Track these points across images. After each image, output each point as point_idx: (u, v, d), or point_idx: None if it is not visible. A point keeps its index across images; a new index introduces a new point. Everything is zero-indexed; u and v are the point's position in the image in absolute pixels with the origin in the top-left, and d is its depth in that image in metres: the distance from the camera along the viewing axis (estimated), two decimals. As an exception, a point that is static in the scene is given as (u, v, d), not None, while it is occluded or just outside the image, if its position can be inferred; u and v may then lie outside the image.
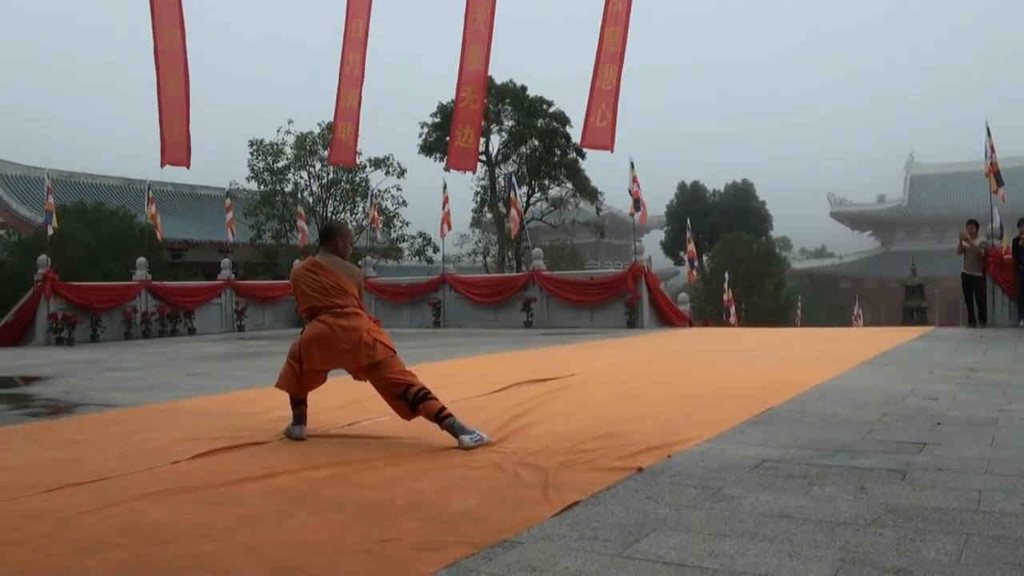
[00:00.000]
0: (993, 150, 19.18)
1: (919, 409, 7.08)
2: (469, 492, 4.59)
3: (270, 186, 39.53)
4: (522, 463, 5.22)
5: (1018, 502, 4.14)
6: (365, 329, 6.38)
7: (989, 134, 19.08)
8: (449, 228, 25.17)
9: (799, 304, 54.14)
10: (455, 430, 5.97)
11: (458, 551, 3.56)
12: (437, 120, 40.80)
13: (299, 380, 6.66)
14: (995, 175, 19.12)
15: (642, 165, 22.35)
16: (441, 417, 6.05)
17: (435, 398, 6.20)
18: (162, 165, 19.09)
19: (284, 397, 8.86)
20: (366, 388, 9.45)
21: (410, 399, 6.19)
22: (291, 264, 28.89)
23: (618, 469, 4.99)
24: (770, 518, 3.95)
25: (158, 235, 25.91)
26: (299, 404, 6.71)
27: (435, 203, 25.41)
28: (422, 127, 42.61)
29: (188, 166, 19.13)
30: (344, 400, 8.39)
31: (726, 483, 4.65)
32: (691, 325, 22.22)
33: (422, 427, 6.79)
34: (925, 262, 57.93)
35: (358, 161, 34.73)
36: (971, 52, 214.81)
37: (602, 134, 17.31)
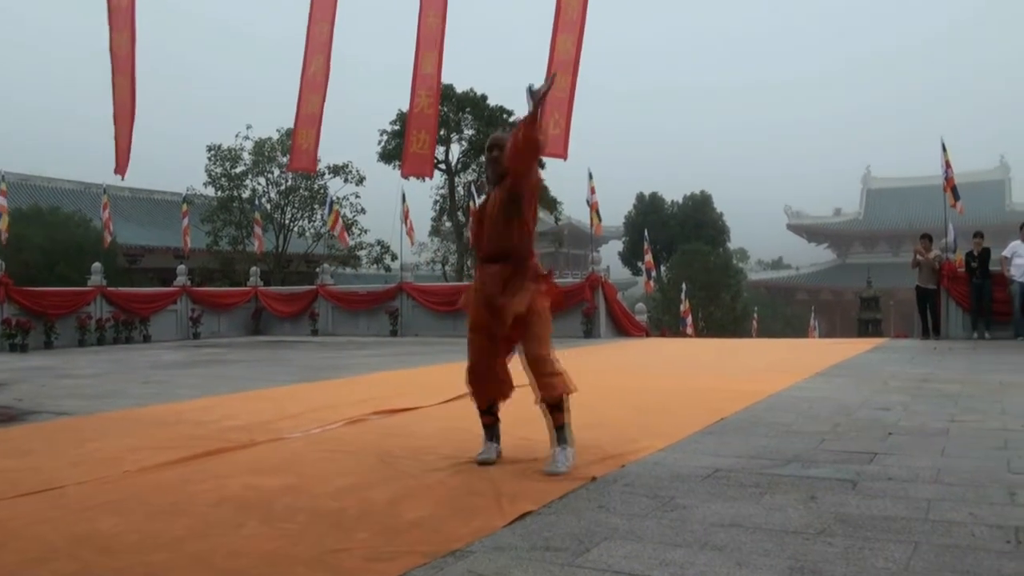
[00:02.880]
0: (949, 165, 19.53)
1: (871, 419, 7.15)
2: (422, 502, 4.58)
3: (227, 192, 39.33)
4: (476, 472, 5.23)
5: (966, 511, 4.20)
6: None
7: (945, 150, 19.40)
8: (412, 242, 25.21)
9: (755, 315, 54.48)
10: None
11: (409, 561, 3.56)
12: (397, 127, 40.65)
13: None
14: (952, 190, 19.49)
15: (601, 178, 22.44)
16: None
17: None
18: (115, 172, 18.96)
19: (238, 405, 8.84)
20: (323, 396, 9.47)
21: None
22: (248, 271, 28.88)
23: (571, 478, 5.00)
24: (721, 527, 3.97)
25: (105, 241, 25.68)
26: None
27: (394, 211, 25.40)
28: (381, 134, 42.52)
29: (123, 176, 19.01)
30: (300, 408, 8.36)
31: (678, 492, 4.68)
32: (648, 335, 22.29)
33: (376, 435, 6.79)
34: (881, 274, 58.55)
35: (317, 168, 34.61)
36: (928, 96, 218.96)
37: (556, 141, 17.34)
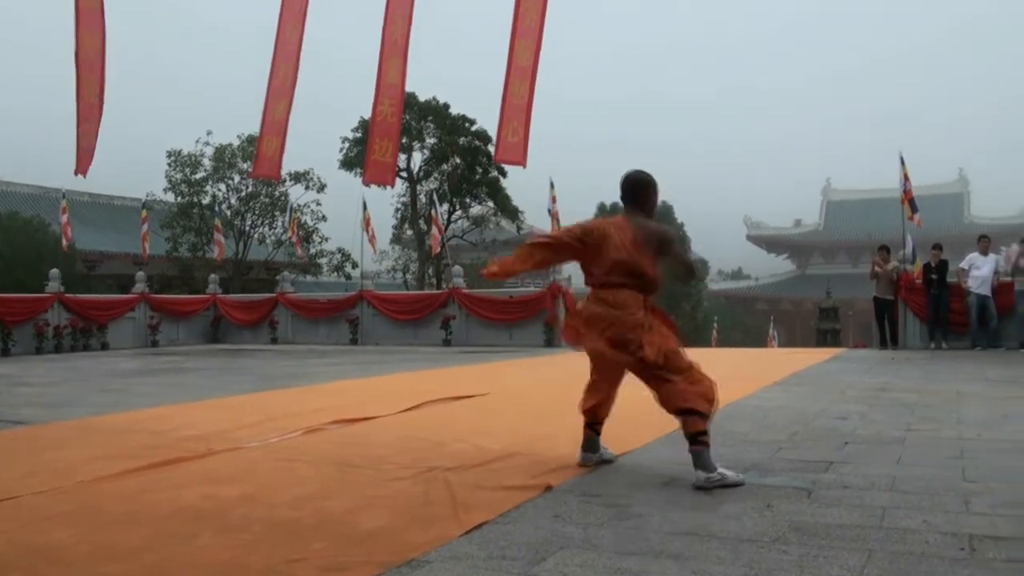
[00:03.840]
0: (907, 178, 19.86)
1: (828, 428, 7.19)
2: (379, 511, 4.55)
3: (187, 198, 39.06)
4: (433, 481, 5.20)
5: (921, 519, 4.23)
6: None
7: (903, 164, 19.74)
8: (374, 251, 25.10)
9: (715, 325, 54.77)
10: (700, 461, 5.12)
11: (365, 571, 3.54)
12: (359, 135, 40.49)
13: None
14: (910, 202, 19.81)
15: (563, 187, 22.52)
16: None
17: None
18: (76, 172, 18.73)
19: (195, 414, 8.77)
20: (281, 405, 9.41)
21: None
22: (207, 278, 28.71)
23: (528, 487, 5.00)
24: (676, 535, 3.98)
25: (63, 245, 25.44)
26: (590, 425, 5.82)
27: (355, 218, 25.37)
28: (343, 141, 42.37)
29: (84, 175, 18.82)
30: (258, 417, 8.29)
31: (635, 501, 4.68)
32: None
33: (334, 444, 6.75)
34: (840, 285, 59.04)
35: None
36: (890, 111, 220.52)
37: (515, 149, 17.30)
